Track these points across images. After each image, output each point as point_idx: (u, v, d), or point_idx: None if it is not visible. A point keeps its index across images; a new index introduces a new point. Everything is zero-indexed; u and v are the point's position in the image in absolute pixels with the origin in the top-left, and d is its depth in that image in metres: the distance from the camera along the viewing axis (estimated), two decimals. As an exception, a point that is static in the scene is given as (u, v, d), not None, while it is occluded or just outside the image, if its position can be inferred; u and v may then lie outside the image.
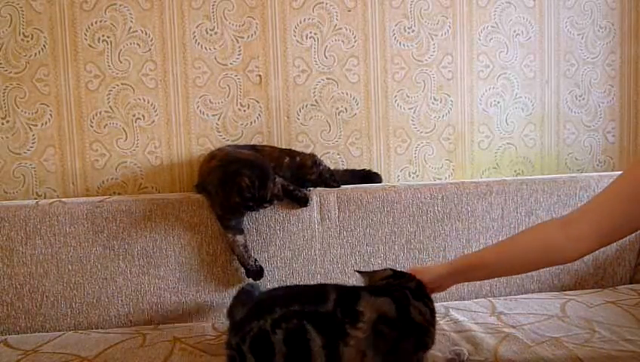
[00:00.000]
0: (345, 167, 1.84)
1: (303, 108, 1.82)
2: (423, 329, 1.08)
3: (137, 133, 1.75)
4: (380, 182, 1.79)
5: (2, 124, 1.70)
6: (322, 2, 1.79)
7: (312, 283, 1.57)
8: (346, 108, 1.84)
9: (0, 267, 1.51)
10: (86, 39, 1.70)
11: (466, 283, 1.62)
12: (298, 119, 1.82)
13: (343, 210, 1.63)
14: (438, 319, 1.40)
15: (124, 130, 1.74)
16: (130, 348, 1.32)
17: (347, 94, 1.83)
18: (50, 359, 1.28)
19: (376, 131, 1.86)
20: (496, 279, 1.66)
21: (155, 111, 1.75)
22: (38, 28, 1.68)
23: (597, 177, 1.76)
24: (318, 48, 1.80)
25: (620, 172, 1.12)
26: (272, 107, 1.80)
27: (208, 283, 1.57)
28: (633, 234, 1.26)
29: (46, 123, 1.71)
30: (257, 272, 1.54)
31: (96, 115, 1.73)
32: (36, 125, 1.71)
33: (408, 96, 1.87)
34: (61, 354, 1.30)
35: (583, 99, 1.97)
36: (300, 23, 1.79)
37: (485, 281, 1.65)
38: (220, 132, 1.78)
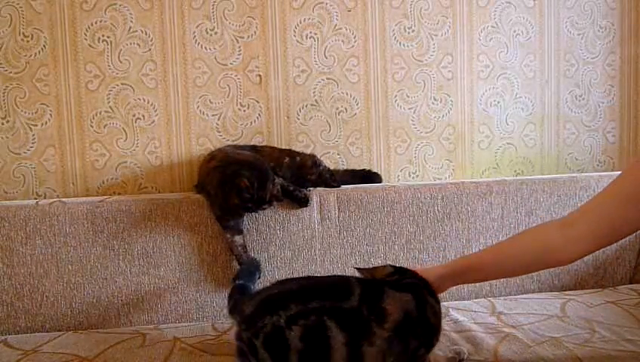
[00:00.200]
0: (345, 167, 1.84)
1: (303, 108, 1.82)
2: (434, 331, 1.07)
3: (137, 133, 1.75)
4: (380, 182, 1.80)
5: (2, 124, 1.70)
6: (322, 2, 1.79)
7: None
8: (346, 108, 1.84)
9: (0, 267, 1.51)
10: (86, 39, 1.70)
11: (466, 284, 1.62)
12: (298, 119, 1.82)
13: (343, 210, 1.63)
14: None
15: (124, 130, 1.74)
16: (130, 348, 1.32)
17: (347, 94, 1.83)
18: (50, 359, 1.28)
19: (376, 131, 1.86)
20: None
21: (155, 111, 1.75)
22: (38, 28, 1.68)
23: (597, 177, 1.76)
24: (318, 48, 1.80)
25: (619, 172, 1.12)
26: (272, 107, 1.80)
27: (208, 283, 1.57)
28: (633, 234, 1.26)
29: (46, 123, 1.71)
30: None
31: (96, 115, 1.73)
32: (36, 125, 1.71)
33: (408, 96, 1.87)
34: (61, 354, 1.30)
35: (583, 99, 1.97)
36: (300, 23, 1.79)
37: (485, 281, 1.64)
38: (220, 132, 1.78)
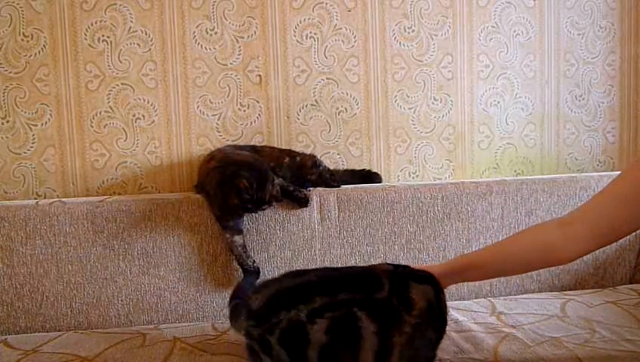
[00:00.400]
0: (345, 167, 1.84)
1: (303, 108, 1.82)
2: (446, 322, 1.08)
3: (137, 133, 1.75)
4: (380, 182, 1.80)
5: (2, 124, 1.70)
6: (322, 2, 1.79)
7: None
8: (346, 108, 1.84)
9: (0, 267, 1.51)
10: (86, 39, 1.70)
11: (466, 283, 1.62)
12: (298, 119, 1.82)
13: (343, 210, 1.63)
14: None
15: (124, 130, 1.74)
16: (130, 348, 1.32)
17: (347, 94, 1.83)
18: (50, 359, 1.28)
19: (376, 131, 1.86)
20: (496, 279, 1.66)
21: (155, 111, 1.75)
22: (38, 28, 1.68)
23: (597, 177, 1.76)
24: (318, 48, 1.80)
25: (619, 172, 1.12)
26: (272, 107, 1.80)
27: (208, 283, 1.57)
28: (633, 234, 1.26)
29: (46, 123, 1.71)
30: (254, 273, 1.54)
31: (96, 114, 1.73)
32: (36, 125, 1.71)
33: (408, 96, 1.87)
34: (61, 354, 1.30)
35: (583, 99, 1.97)
36: (300, 23, 1.79)
37: (485, 281, 1.65)
38: (219, 132, 1.78)
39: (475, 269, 1.19)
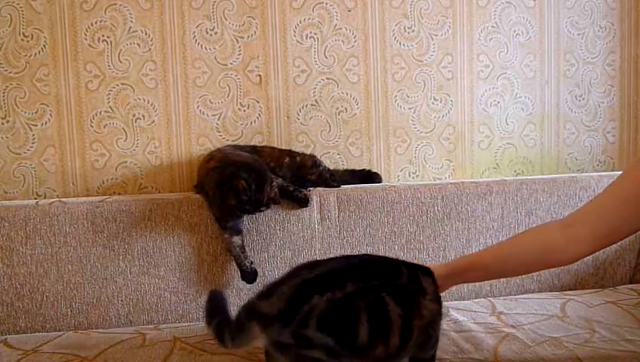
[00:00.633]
0: (345, 167, 1.84)
1: (303, 108, 1.82)
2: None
3: (137, 133, 1.75)
4: (380, 182, 1.79)
5: (2, 124, 1.70)
6: (322, 2, 1.79)
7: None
8: (346, 108, 1.84)
9: (0, 267, 1.51)
10: (86, 39, 1.70)
11: (466, 283, 1.62)
12: (298, 119, 1.82)
13: (343, 210, 1.63)
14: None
15: (124, 130, 1.74)
16: (130, 348, 1.32)
17: (347, 94, 1.83)
18: (50, 359, 1.28)
19: (376, 131, 1.86)
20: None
21: (155, 111, 1.75)
22: (38, 28, 1.68)
23: (597, 177, 1.76)
24: (318, 48, 1.80)
25: (619, 172, 1.12)
26: (272, 107, 1.80)
27: (208, 283, 1.57)
28: (633, 235, 1.26)
29: (46, 123, 1.71)
30: (252, 275, 1.54)
31: (96, 115, 1.73)
32: (36, 125, 1.71)
33: (408, 96, 1.87)
34: (61, 354, 1.30)
35: (583, 99, 1.97)
36: (300, 22, 1.79)
37: (485, 281, 1.65)
38: (219, 132, 1.78)
39: (476, 270, 1.19)
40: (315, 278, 0.98)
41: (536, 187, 1.72)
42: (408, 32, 1.85)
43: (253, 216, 1.56)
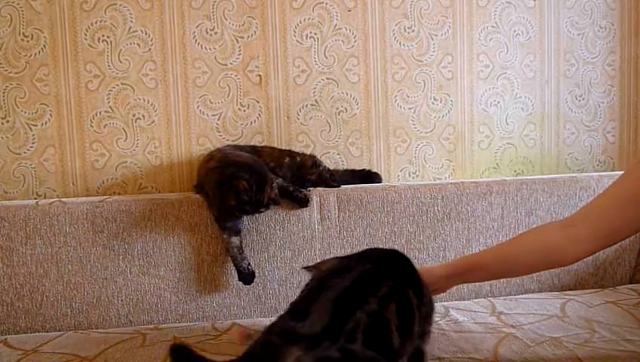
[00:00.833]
0: (345, 167, 1.84)
1: (303, 108, 1.82)
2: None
3: (137, 133, 1.75)
4: (380, 182, 1.79)
5: (2, 124, 1.70)
6: (322, 2, 1.79)
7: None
8: (346, 108, 1.84)
9: (0, 267, 1.51)
10: (86, 39, 1.70)
11: (466, 283, 1.62)
12: (298, 119, 1.82)
13: (343, 210, 1.63)
14: (437, 319, 1.42)
15: (124, 130, 1.74)
16: (130, 348, 1.32)
17: (347, 94, 1.83)
18: (50, 359, 1.28)
19: (376, 131, 1.86)
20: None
21: (155, 111, 1.75)
22: (38, 28, 1.68)
23: (597, 177, 1.76)
24: (318, 48, 1.80)
25: (620, 172, 1.12)
26: (272, 107, 1.80)
27: (208, 283, 1.57)
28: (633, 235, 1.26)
29: (46, 123, 1.71)
30: (249, 276, 1.53)
31: (96, 114, 1.73)
32: (36, 125, 1.71)
33: (408, 96, 1.87)
34: (61, 354, 1.30)
35: (583, 99, 1.97)
36: (300, 23, 1.79)
37: (485, 281, 1.65)
38: (219, 132, 1.78)
39: (476, 271, 1.19)
40: (351, 287, 0.97)
41: (536, 187, 1.72)
42: (408, 32, 1.85)
43: (253, 216, 1.56)
